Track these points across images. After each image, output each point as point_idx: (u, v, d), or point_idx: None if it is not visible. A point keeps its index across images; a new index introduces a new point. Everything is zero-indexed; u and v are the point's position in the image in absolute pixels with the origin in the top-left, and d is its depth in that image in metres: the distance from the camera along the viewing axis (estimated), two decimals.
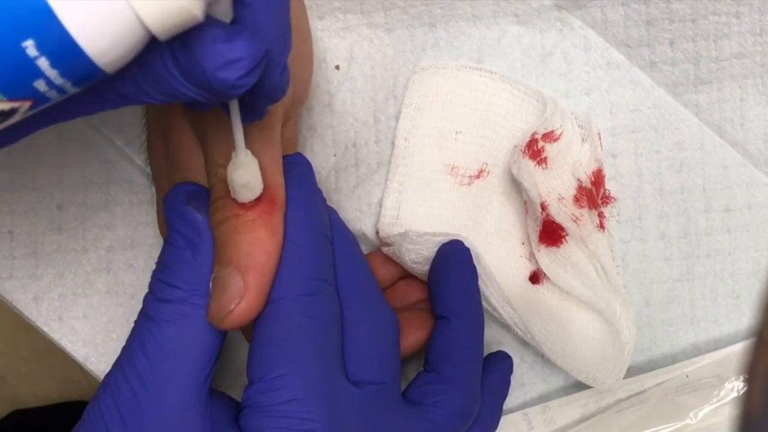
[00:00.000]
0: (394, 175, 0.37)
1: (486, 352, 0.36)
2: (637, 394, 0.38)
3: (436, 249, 0.35)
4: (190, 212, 0.28)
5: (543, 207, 0.36)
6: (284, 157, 0.30)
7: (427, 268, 0.35)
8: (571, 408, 0.38)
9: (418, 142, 0.38)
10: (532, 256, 0.38)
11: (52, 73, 0.20)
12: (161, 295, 0.28)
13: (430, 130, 0.38)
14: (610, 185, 0.39)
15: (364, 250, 0.37)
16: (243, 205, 0.28)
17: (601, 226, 0.38)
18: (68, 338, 0.38)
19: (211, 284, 0.28)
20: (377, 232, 0.37)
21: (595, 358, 0.37)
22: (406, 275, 0.37)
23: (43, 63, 0.19)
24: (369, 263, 0.33)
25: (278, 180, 0.29)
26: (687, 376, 0.38)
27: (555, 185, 0.37)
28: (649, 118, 0.39)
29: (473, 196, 0.38)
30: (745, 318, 0.40)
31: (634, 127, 0.39)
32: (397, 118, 0.38)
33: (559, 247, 0.37)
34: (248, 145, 0.27)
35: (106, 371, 0.29)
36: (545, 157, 0.37)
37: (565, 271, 0.37)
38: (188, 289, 0.28)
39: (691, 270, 0.39)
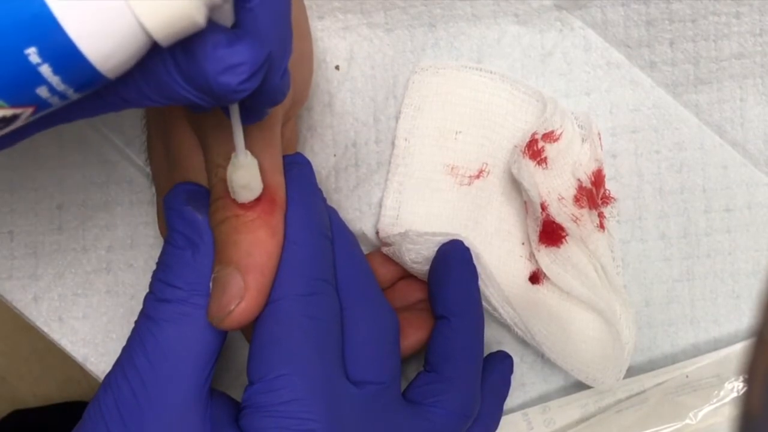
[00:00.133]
0: (394, 175, 0.37)
1: (486, 352, 0.36)
2: (637, 394, 0.38)
3: (436, 249, 0.35)
4: (190, 212, 0.28)
5: (543, 207, 0.36)
6: (284, 157, 0.30)
7: (427, 267, 0.35)
8: (571, 408, 0.38)
9: (418, 142, 0.38)
10: (532, 256, 0.38)
11: (54, 80, 0.20)
12: (161, 295, 0.28)
13: (430, 130, 0.38)
14: (610, 185, 0.39)
15: (364, 250, 0.37)
16: (243, 205, 0.28)
17: (601, 226, 0.38)
18: (68, 338, 0.38)
19: (211, 284, 0.28)
20: (377, 232, 0.37)
21: (595, 358, 0.37)
22: (406, 275, 0.37)
23: (45, 70, 0.19)
24: (369, 263, 0.33)
25: (278, 180, 0.29)
26: (687, 376, 0.38)
27: (555, 185, 0.37)
28: (649, 118, 0.39)
29: (473, 196, 0.38)
30: (745, 318, 0.40)
31: (634, 127, 0.39)
32: (397, 118, 0.38)
33: (559, 247, 0.37)
34: (248, 145, 0.27)
35: (106, 371, 0.29)
36: (545, 157, 0.37)
37: (565, 271, 0.37)
38: (188, 289, 0.28)
39: (691, 270, 0.39)
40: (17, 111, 0.20)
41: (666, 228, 0.39)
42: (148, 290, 0.29)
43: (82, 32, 0.19)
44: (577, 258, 0.37)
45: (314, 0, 0.37)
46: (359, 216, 0.38)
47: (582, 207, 0.37)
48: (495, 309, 0.36)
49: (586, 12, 0.38)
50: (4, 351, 0.99)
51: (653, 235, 0.39)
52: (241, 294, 0.27)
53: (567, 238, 0.37)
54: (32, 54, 0.19)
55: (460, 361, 0.33)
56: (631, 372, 0.39)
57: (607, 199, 0.39)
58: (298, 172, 0.30)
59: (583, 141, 0.38)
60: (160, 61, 0.22)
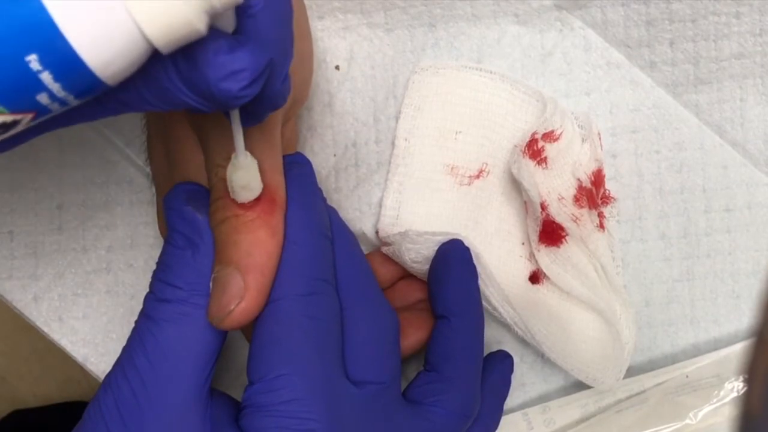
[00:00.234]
0: (394, 175, 0.37)
1: (486, 352, 0.36)
2: (637, 394, 0.38)
3: (435, 248, 0.35)
4: (190, 212, 0.28)
5: (543, 207, 0.36)
6: (284, 157, 0.30)
7: (426, 267, 0.35)
8: (571, 408, 0.38)
9: (418, 142, 0.38)
10: (532, 256, 0.38)
11: (54, 87, 0.20)
12: (161, 295, 0.28)
13: (430, 130, 0.38)
14: (610, 185, 0.39)
15: (364, 250, 0.37)
16: (243, 205, 0.28)
17: (601, 226, 0.38)
18: (68, 338, 0.38)
19: (211, 284, 0.28)
20: (377, 232, 0.37)
21: (595, 357, 0.37)
22: (406, 275, 0.37)
23: (46, 77, 0.19)
24: (369, 263, 0.33)
25: (278, 180, 0.29)
26: (687, 376, 0.38)
27: (555, 185, 0.37)
28: (649, 118, 0.39)
29: (473, 196, 0.38)
30: (745, 318, 0.40)
31: (634, 127, 0.39)
32: (397, 118, 0.38)
33: (559, 247, 0.37)
34: (248, 145, 0.27)
35: (106, 371, 0.29)
36: (545, 157, 0.37)
37: (565, 271, 0.37)
38: (188, 289, 0.28)
39: (691, 270, 0.39)
40: (17, 117, 0.20)
41: (666, 228, 0.39)
42: (148, 290, 0.29)
43: (83, 39, 0.19)
44: (577, 258, 0.37)
45: (314, 0, 0.37)
46: (359, 216, 0.38)
47: (582, 207, 0.37)
48: (495, 309, 0.36)
49: (586, 12, 0.38)
50: (4, 351, 0.99)
51: (653, 235, 0.39)
52: (241, 294, 0.27)
53: (567, 238, 0.37)
54: (33, 61, 0.19)
55: (460, 360, 0.33)
56: (631, 372, 0.39)
57: (607, 199, 0.39)
58: (298, 171, 0.30)
59: (583, 141, 0.38)
60: (161, 66, 0.22)
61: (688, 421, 0.37)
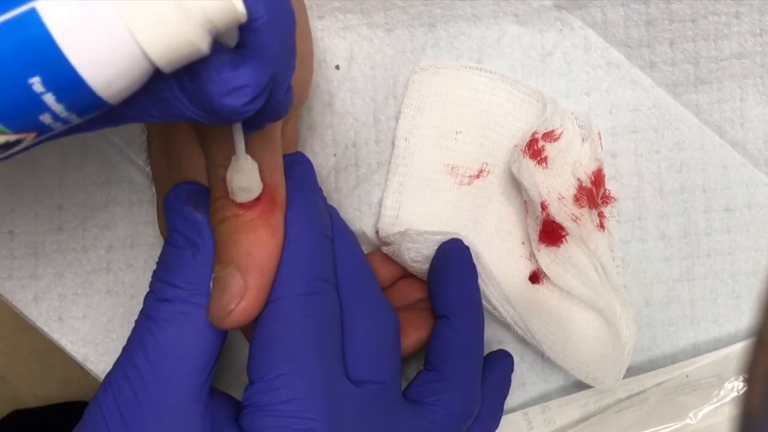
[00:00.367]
0: (394, 175, 0.37)
1: (486, 351, 0.36)
2: (637, 394, 0.39)
3: (435, 247, 0.35)
4: (190, 212, 0.28)
5: (543, 206, 0.36)
6: (285, 156, 0.30)
7: (426, 266, 0.35)
8: (571, 408, 0.38)
9: (418, 142, 0.38)
10: (532, 255, 0.38)
11: (57, 108, 0.20)
12: (162, 294, 0.28)
13: (430, 130, 0.38)
14: (610, 185, 0.39)
15: (364, 249, 0.37)
16: (243, 205, 0.28)
17: (601, 226, 0.38)
18: (68, 338, 0.38)
19: (211, 284, 0.28)
20: (377, 232, 0.37)
21: (595, 357, 0.37)
22: (407, 275, 0.37)
23: (48, 98, 0.19)
24: (369, 263, 0.33)
25: (278, 180, 0.29)
26: (687, 376, 0.38)
27: (555, 185, 0.37)
28: (649, 118, 0.39)
29: (473, 196, 0.38)
30: (745, 318, 0.40)
31: (634, 127, 0.39)
32: (397, 118, 0.38)
33: (559, 246, 0.37)
34: (249, 146, 0.27)
35: (106, 371, 0.29)
36: (545, 157, 0.37)
37: (565, 271, 0.37)
38: (189, 289, 0.28)
39: (691, 270, 0.39)
40: (20, 137, 0.20)
41: (666, 228, 0.39)
42: (148, 290, 0.29)
43: (86, 61, 0.19)
44: (577, 257, 0.37)
45: (314, 0, 0.37)
46: (359, 216, 0.38)
47: (582, 206, 0.37)
48: (495, 308, 0.36)
49: (586, 12, 0.38)
50: (4, 351, 0.99)
51: (653, 235, 0.39)
52: (241, 293, 0.27)
53: (567, 237, 0.37)
54: (36, 83, 0.19)
55: (460, 360, 0.33)
56: (631, 372, 0.39)
57: (607, 199, 0.39)
58: (298, 171, 0.30)
59: (583, 141, 0.38)
60: (165, 83, 0.22)
61: (688, 421, 0.37)
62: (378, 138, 0.38)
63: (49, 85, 0.19)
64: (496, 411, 0.35)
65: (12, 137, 0.20)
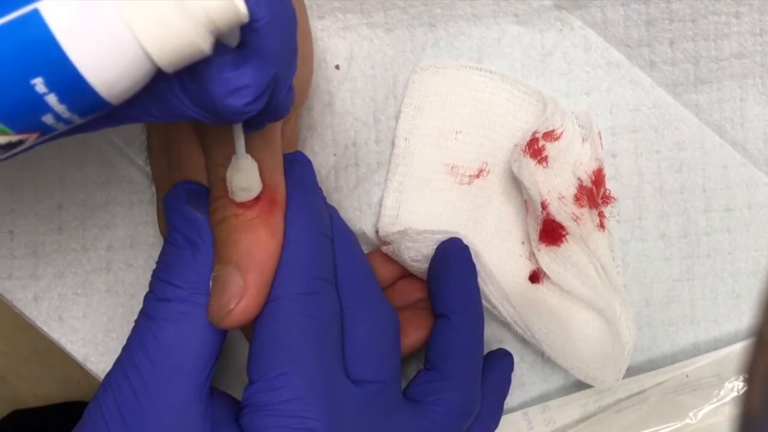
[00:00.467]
0: (394, 174, 0.37)
1: (486, 351, 0.36)
2: (637, 393, 0.39)
3: (435, 247, 0.35)
4: (190, 211, 0.28)
5: (543, 206, 0.36)
6: (285, 156, 0.30)
7: (426, 266, 0.35)
8: (571, 408, 0.38)
9: (418, 141, 0.38)
10: (532, 255, 0.38)
11: (60, 108, 0.20)
12: (161, 294, 0.28)
13: (430, 129, 0.38)
14: (610, 185, 0.39)
15: (364, 249, 0.37)
16: (243, 205, 0.28)
17: (601, 226, 0.38)
18: (68, 338, 0.38)
19: (211, 283, 0.28)
20: (377, 232, 0.37)
21: (595, 356, 0.37)
22: (407, 274, 0.37)
23: (51, 99, 0.20)
24: (369, 262, 0.33)
25: (278, 179, 0.29)
26: (687, 376, 0.38)
27: (555, 184, 0.37)
28: (649, 118, 0.39)
29: (473, 196, 0.38)
30: (745, 318, 0.40)
31: (634, 127, 0.39)
32: (397, 118, 0.38)
33: (559, 246, 0.37)
34: (249, 146, 0.27)
35: (106, 371, 0.29)
36: (546, 156, 0.37)
37: (565, 270, 0.37)
38: (188, 288, 0.28)
39: (691, 270, 0.39)
40: (23, 137, 0.20)
41: (666, 228, 0.39)
42: (148, 289, 0.29)
43: (88, 62, 0.19)
44: (578, 257, 0.37)
45: (314, 0, 0.37)
46: (359, 215, 0.38)
47: (582, 206, 0.37)
48: (495, 307, 0.36)
49: (586, 12, 0.38)
50: (4, 351, 0.99)
51: (653, 235, 0.39)
52: (240, 293, 0.27)
53: (567, 237, 0.37)
54: (38, 84, 0.19)
55: (460, 359, 0.33)
56: (631, 372, 0.39)
57: (607, 199, 0.39)
58: (298, 171, 0.30)
59: (583, 140, 0.38)
60: (166, 83, 0.22)
61: (688, 420, 0.37)
62: (378, 138, 0.38)
63: (51, 85, 0.19)
64: (496, 410, 0.35)
65: (14, 138, 0.20)
